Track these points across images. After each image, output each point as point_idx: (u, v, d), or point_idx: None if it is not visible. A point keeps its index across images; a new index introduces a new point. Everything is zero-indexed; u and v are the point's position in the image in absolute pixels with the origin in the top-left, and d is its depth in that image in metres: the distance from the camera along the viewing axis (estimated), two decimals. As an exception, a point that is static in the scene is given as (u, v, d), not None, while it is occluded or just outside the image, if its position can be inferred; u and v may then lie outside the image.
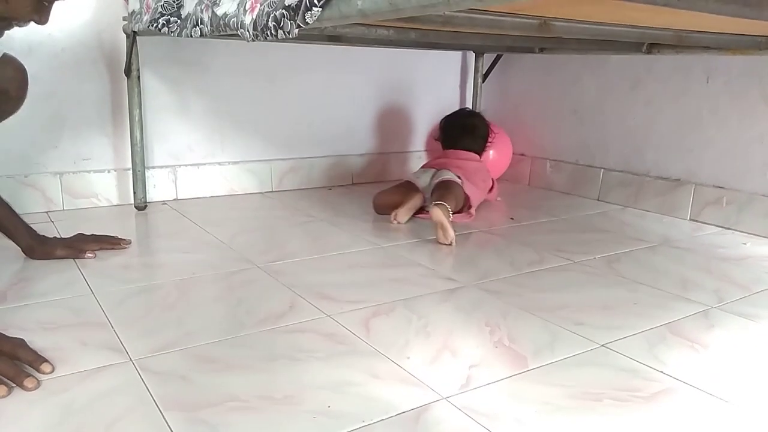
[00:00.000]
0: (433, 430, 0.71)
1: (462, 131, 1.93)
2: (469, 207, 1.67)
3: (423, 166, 1.85)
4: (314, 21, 0.74)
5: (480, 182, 1.78)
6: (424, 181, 1.68)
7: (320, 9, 0.73)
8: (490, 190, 1.87)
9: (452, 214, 1.50)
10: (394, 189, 1.70)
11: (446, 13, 0.92)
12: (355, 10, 0.69)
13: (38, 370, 0.80)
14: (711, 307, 1.10)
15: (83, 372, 0.81)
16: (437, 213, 1.43)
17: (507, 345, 0.93)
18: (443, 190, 1.59)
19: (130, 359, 0.85)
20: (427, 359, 0.88)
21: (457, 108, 2.31)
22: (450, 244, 1.43)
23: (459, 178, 1.65)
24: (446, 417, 0.73)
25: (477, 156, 1.90)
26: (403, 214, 1.59)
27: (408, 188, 1.68)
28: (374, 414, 0.73)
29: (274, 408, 0.74)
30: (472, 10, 0.94)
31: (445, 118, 2.00)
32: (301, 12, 0.75)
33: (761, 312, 1.09)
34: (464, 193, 1.63)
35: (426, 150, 2.32)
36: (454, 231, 1.44)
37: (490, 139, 1.95)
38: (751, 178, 1.61)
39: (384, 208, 1.67)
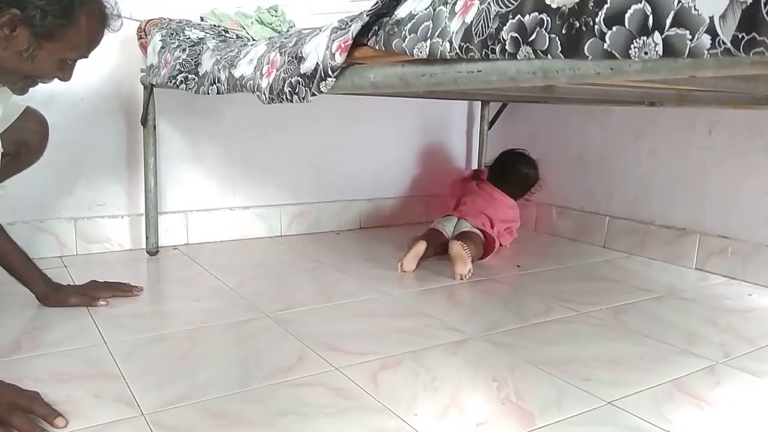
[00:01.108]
0: (441, 491, 0.71)
1: (508, 172, 1.99)
2: (492, 249, 1.74)
3: (454, 208, 1.90)
4: (328, 90, 0.77)
5: (502, 223, 1.87)
6: (448, 228, 1.76)
7: (334, 79, 0.77)
8: (511, 232, 1.95)
9: (476, 259, 1.64)
10: (422, 236, 1.72)
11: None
12: (368, 82, 0.72)
13: (53, 425, 0.81)
14: (717, 362, 1.11)
15: (96, 426, 0.83)
16: (455, 245, 1.57)
17: (514, 402, 0.94)
18: (464, 238, 1.67)
19: (142, 413, 0.87)
20: (434, 416, 0.89)
21: (464, 152, 2.37)
22: (462, 279, 1.54)
23: (478, 228, 1.74)
24: (454, 478, 0.74)
25: (512, 200, 1.95)
26: (408, 262, 1.62)
27: (431, 236, 1.73)
28: (382, 474, 0.74)
29: (284, 467, 0.75)
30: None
31: (504, 151, 2.06)
32: (316, 81, 0.79)
33: (766, 368, 1.09)
34: (486, 236, 1.72)
35: (440, 195, 2.35)
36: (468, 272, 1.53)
37: (532, 191, 2.01)
38: (756, 228, 1.63)
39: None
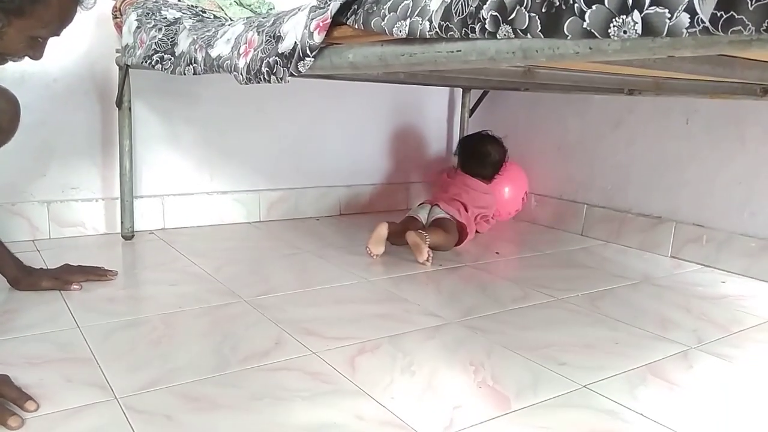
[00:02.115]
0: (417, 473, 0.72)
1: (472, 157, 1.99)
2: (465, 236, 1.75)
3: (432, 197, 1.90)
4: (306, 70, 0.76)
5: (476, 208, 1.87)
6: (423, 216, 1.76)
7: (313, 59, 0.75)
8: (488, 219, 1.95)
9: (451, 246, 1.69)
10: (399, 224, 1.72)
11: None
12: (347, 62, 0.71)
13: (23, 408, 0.80)
14: (690, 347, 1.12)
15: (68, 410, 0.81)
16: (411, 236, 1.58)
17: (490, 385, 0.94)
18: (436, 227, 1.69)
19: (115, 397, 0.85)
20: (411, 399, 0.89)
21: (444, 140, 2.37)
22: (425, 263, 1.55)
23: (449, 214, 1.74)
24: (429, 460, 0.74)
25: (484, 183, 1.95)
26: (374, 246, 1.61)
27: (408, 223, 1.73)
28: (358, 456, 0.74)
29: (259, 449, 0.75)
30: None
31: (462, 138, 2.08)
32: (294, 60, 0.78)
33: (737, 353, 1.11)
34: (458, 223, 1.73)
35: (424, 182, 2.35)
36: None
37: (503, 167, 2.00)
38: (731, 217, 1.66)
39: (392, 238, 1.68)
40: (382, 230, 1.61)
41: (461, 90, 2.34)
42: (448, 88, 2.36)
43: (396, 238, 1.67)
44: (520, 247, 1.84)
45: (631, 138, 1.88)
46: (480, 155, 1.98)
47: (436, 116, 2.38)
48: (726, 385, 0.99)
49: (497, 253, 1.75)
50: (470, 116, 2.33)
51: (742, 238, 1.62)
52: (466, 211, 1.83)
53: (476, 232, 1.90)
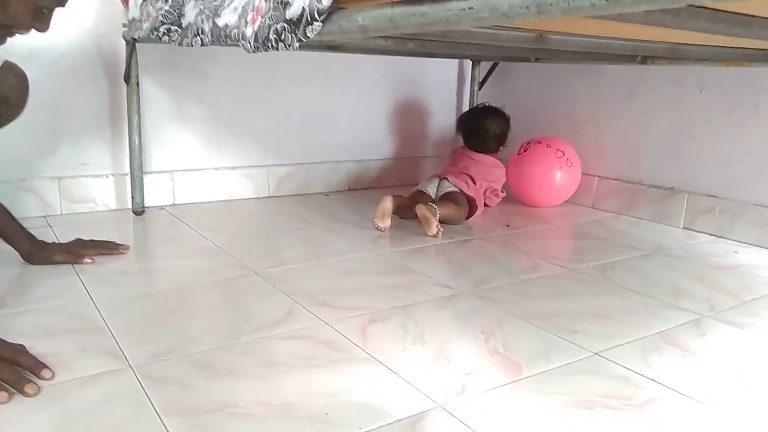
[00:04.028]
0: (429, 437, 0.72)
1: (472, 132, 1.97)
2: (476, 208, 1.75)
3: (442, 171, 1.90)
4: (315, 35, 0.75)
5: (484, 182, 1.88)
6: (431, 189, 1.76)
7: (321, 24, 0.74)
8: (497, 193, 1.95)
9: (462, 219, 1.70)
10: (408, 197, 1.72)
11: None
12: (356, 26, 0.70)
13: (38, 376, 0.81)
14: (703, 315, 1.12)
15: (83, 378, 0.82)
16: (420, 208, 1.58)
17: (502, 353, 0.94)
18: (446, 200, 1.69)
19: (130, 365, 0.86)
20: (423, 367, 0.89)
21: (453, 113, 2.35)
22: (436, 235, 1.56)
23: (458, 187, 1.74)
24: (441, 424, 0.75)
25: (488, 156, 1.93)
26: (379, 220, 1.60)
27: (417, 196, 1.73)
28: (371, 421, 0.74)
29: (272, 414, 0.75)
30: (469, 23, 0.96)
31: (466, 114, 2.05)
32: (302, 26, 0.77)
33: (751, 321, 1.10)
34: (467, 197, 1.72)
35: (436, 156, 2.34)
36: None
37: (507, 138, 1.96)
38: (744, 187, 1.64)
39: (401, 211, 1.69)
40: (387, 203, 1.60)
41: (471, 63, 2.31)
42: (457, 61, 2.34)
43: (405, 211, 1.67)
44: (530, 219, 1.83)
45: (643, 109, 1.86)
46: (479, 130, 1.94)
47: (446, 90, 2.36)
48: (739, 351, 0.98)
49: (507, 225, 1.75)
50: (480, 89, 2.31)
51: (755, 208, 1.61)
52: (474, 184, 1.82)
53: (485, 205, 1.90)
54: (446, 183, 1.75)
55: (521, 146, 1.97)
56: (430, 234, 1.56)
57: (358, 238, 1.56)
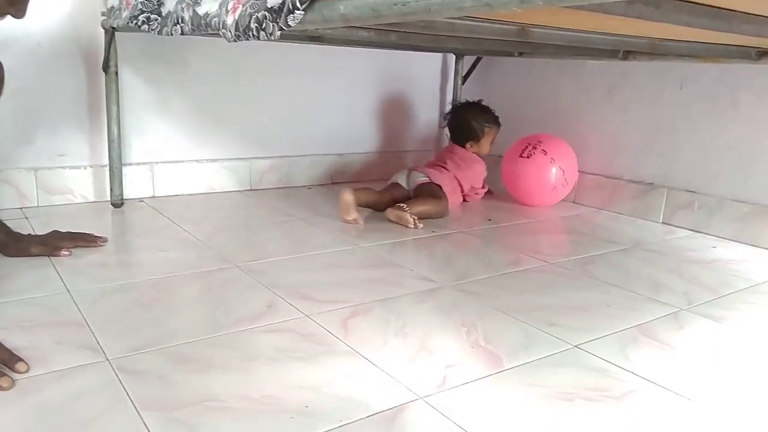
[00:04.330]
0: (410, 429, 0.72)
1: (450, 125, 2.01)
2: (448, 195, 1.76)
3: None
4: (296, 24, 0.74)
5: (460, 174, 1.89)
6: (402, 180, 1.79)
7: (303, 12, 0.73)
8: (477, 191, 1.97)
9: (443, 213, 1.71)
10: (383, 190, 1.77)
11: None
12: (338, 14, 0.70)
13: (13, 369, 0.79)
14: (681, 309, 1.13)
15: (59, 371, 0.81)
16: (390, 214, 1.62)
17: (483, 345, 0.94)
18: (420, 197, 1.71)
19: (107, 359, 0.85)
20: (404, 359, 0.89)
21: (437, 108, 2.35)
22: (416, 227, 1.58)
23: (427, 176, 1.77)
24: (422, 417, 0.75)
25: (470, 152, 1.94)
26: (344, 214, 1.62)
27: (392, 189, 1.77)
28: (351, 414, 0.74)
29: (253, 408, 0.75)
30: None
31: (449, 113, 2.06)
32: (283, 14, 0.76)
33: (728, 314, 1.12)
34: (437, 185, 1.75)
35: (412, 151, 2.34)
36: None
37: (484, 129, 1.94)
38: (722, 183, 1.66)
39: (376, 205, 1.72)
40: (346, 196, 1.62)
41: (454, 57, 2.31)
42: (440, 55, 2.33)
43: (380, 205, 1.69)
44: (512, 214, 1.83)
45: (624, 104, 1.87)
46: (451, 126, 1.99)
47: (429, 84, 2.36)
48: (716, 344, 1.00)
49: (489, 220, 1.75)
50: (463, 83, 2.31)
51: (733, 203, 1.63)
52: (448, 171, 1.84)
53: (464, 200, 1.91)
54: (415, 173, 1.78)
55: (524, 147, 1.90)
56: (410, 227, 1.57)
57: (340, 231, 1.55)
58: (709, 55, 1.42)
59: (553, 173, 1.84)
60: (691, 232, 1.70)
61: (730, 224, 1.63)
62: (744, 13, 0.72)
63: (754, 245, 1.58)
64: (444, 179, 1.79)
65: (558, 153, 1.86)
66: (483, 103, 2.00)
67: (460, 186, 1.88)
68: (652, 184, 1.81)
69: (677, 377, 0.87)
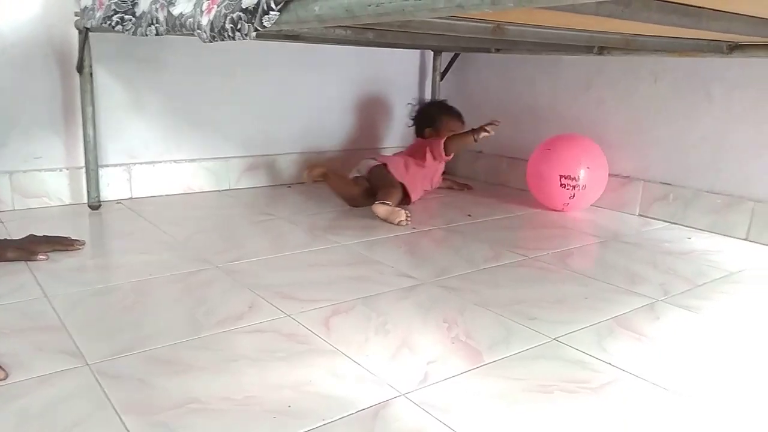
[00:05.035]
0: (392, 426, 0.73)
1: (414, 124, 2.09)
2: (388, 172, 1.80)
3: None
4: (272, 24, 0.74)
5: (412, 151, 1.96)
6: (357, 171, 1.87)
7: (278, 13, 0.73)
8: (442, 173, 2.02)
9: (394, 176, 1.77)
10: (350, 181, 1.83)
11: (403, 16, 0.93)
12: (313, 15, 0.70)
13: (-9, 377, 0.79)
14: (657, 300, 1.15)
15: (39, 377, 0.80)
16: (377, 209, 1.62)
17: (463, 341, 0.95)
18: (372, 181, 1.78)
19: (87, 363, 0.84)
20: (386, 356, 0.89)
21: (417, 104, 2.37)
22: (407, 223, 1.59)
23: (376, 159, 1.84)
24: (404, 413, 0.75)
25: (421, 139, 2.01)
26: (311, 170, 1.75)
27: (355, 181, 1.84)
28: (334, 412, 0.75)
29: (235, 409, 0.75)
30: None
31: (417, 113, 2.11)
32: (258, 15, 0.76)
33: (703, 304, 1.14)
34: (382, 164, 1.81)
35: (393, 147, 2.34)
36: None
37: (442, 117, 1.99)
38: (697, 174, 1.69)
39: (350, 200, 1.80)
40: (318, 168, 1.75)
41: (432, 53, 2.32)
42: (418, 51, 2.34)
43: (346, 188, 1.79)
44: (492, 209, 1.85)
45: (600, 98, 1.89)
46: (415, 117, 2.07)
47: (408, 81, 2.36)
48: (691, 334, 1.02)
49: (469, 215, 1.76)
50: (441, 80, 2.32)
51: (708, 195, 1.66)
52: (401, 158, 1.90)
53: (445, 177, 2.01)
54: (367, 160, 1.84)
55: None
56: (402, 224, 1.59)
57: (320, 229, 1.55)
58: (681, 49, 1.44)
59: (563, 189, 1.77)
60: (667, 223, 1.73)
61: (705, 215, 1.66)
62: (712, 9, 0.74)
63: (728, 236, 1.61)
64: (390, 158, 1.85)
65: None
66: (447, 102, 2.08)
67: (419, 164, 1.90)
68: (629, 177, 1.84)
69: (654, 367, 0.89)
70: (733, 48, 1.44)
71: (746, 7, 0.76)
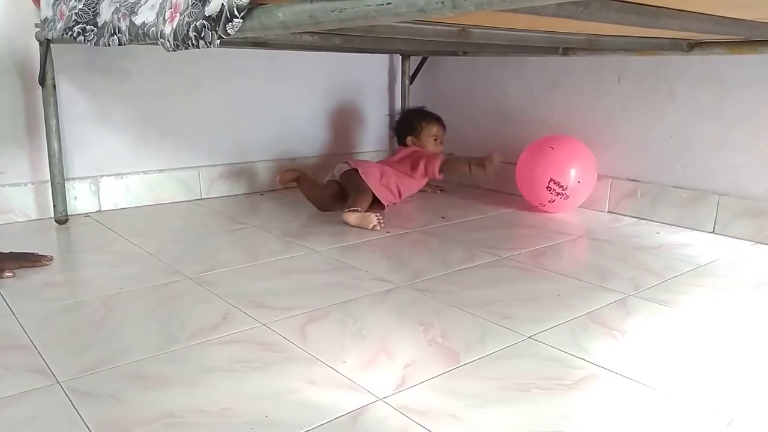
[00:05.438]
0: (370, 431, 0.72)
1: (395, 133, 2.10)
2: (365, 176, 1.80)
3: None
4: (235, 32, 0.74)
5: (393, 160, 1.96)
6: (331, 176, 1.87)
7: (241, 20, 0.73)
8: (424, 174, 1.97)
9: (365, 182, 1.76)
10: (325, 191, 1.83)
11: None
12: (276, 22, 0.69)
13: (-44, 400, 0.76)
14: (628, 295, 1.17)
15: (7, 398, 0.78)
16: (347, 218, 1.62)
17: (440, 342, 0.96)
18: (343, 185, 1.79)
19: (57, 381, 0.83)
20: (363, 362, 0.89)
21: (386, 109, 2.37)
22: (380, 227, 1.60)
23: (349, 163, 1.83)
24: (383, 417, 0.75)
25: (403, 146, 2.02)
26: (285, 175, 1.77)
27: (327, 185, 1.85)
28: (312, 420, 0.74)
29: (211, 422, 0.74)
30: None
31: (400, 119, 2.13)
32: (222, 23, 0.75)
33: (673, 297, 1.16)
34: (353, 169, 1.80)
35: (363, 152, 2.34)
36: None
37: (422, 124, 2.00)
38: (663, 170, 1.72)
39: (319, 204, 1.81)
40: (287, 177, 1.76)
41: (401, 57, 2.33)
42: (387, 56, 2.35)
43: (318, 191, 1.79)
44: (465, 210, 1.86)
45: (567, 98, 1.92)
46: (396, 126, 2.08)
47: (378, 85, 2.37)
48: (663, 327, 1.04)
49: (443, 217, 1.77)
50: (411, 83, 2.33)
51: (674, 190, 1.69)
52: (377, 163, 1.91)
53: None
54: (340, 164, 1.84)
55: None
56: (377, 228, 1.59)
57: (294, 236, 1.55)
58: (643, 48, 1.47)
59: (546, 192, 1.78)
60: (636, 219, 1.76)
61: (672, 210, 1.70)
62: (669, 9, 0.75)
63: (696, 229, 1.64)
64: (363, 164, 1.84)
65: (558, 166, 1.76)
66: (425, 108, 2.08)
67: (405, 174, 1.90)
68: (597, 174, 1.86)
69: (628, 362, 0.90)
70: (693, 46, 1.48)
71: (702, 6, 0.78)
